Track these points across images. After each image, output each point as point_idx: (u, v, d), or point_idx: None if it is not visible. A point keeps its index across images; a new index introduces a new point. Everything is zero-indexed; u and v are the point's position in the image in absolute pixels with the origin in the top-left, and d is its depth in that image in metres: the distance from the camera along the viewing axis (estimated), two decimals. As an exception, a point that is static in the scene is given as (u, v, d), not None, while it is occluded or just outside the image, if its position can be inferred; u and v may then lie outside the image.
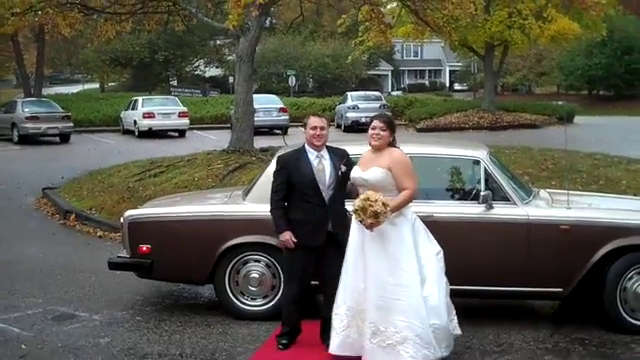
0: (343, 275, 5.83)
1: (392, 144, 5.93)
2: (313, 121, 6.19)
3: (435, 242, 5.87)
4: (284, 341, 6.48)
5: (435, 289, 5.67)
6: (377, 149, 5.83)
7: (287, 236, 6.13)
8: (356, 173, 5.85)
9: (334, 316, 5.87)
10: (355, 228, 5.79)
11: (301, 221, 6.09)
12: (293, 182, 6.13)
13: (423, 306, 5.55)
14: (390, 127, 5.90)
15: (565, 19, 31.43)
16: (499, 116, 34.48)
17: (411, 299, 5.54)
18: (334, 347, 5.88)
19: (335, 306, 5.87)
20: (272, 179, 6.31)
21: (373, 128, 5.82)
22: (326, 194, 6.09)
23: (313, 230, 6.06)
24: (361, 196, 5.53)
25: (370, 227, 5.50)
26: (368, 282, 5.64)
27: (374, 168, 5.74)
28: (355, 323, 5.75)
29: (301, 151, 6.22)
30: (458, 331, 6.05)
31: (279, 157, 6.43)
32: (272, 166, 6.79)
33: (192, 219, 7.48)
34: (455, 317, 6.02)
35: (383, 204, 5.46)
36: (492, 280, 6.96)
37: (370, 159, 5.86)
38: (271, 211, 6.22)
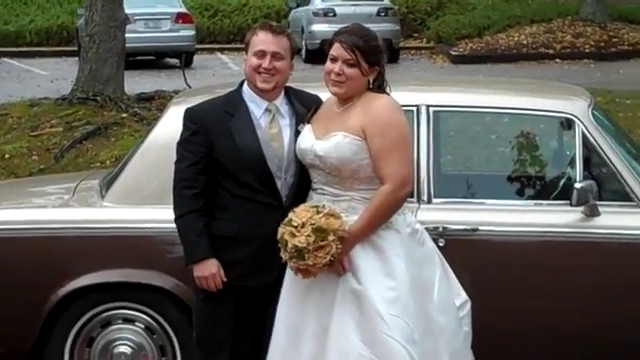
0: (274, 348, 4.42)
1: (375, 86, 4.35)
2: (261, 40, 4.49)
3: (457, 285, 4.51)
4: None
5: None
6: (344, 99, 4.30)
7: (211, 269, 4.43)
8: (306, 141, 4.33)
9: None
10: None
11: (235, 239, 4.48)
12: (220, 160, 4.53)
13: None
14: (366, 54, 4.28)
15: None
16: (615, 33, 22.12)
17: None
18: None
19: None
20: (176, 154, 4.58)
21: (332, 59, 4.25)
22: (283, 184, 4.52)
23: (258, 256, 4.44)
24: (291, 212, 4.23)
25: (304, 275, 4.17)
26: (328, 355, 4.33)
27: (336, 134, 4.25)
28: None
29: (235, 100, 4.56)
30: None
31: (190, 111, 4.67)
32: (170, 129, 5.03)
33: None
34: None
35: (318, 231, 4.00)
36: (593, 355, 5.23)
37: (332, 116, 4.36)
38: (177, 219, 4.55)
